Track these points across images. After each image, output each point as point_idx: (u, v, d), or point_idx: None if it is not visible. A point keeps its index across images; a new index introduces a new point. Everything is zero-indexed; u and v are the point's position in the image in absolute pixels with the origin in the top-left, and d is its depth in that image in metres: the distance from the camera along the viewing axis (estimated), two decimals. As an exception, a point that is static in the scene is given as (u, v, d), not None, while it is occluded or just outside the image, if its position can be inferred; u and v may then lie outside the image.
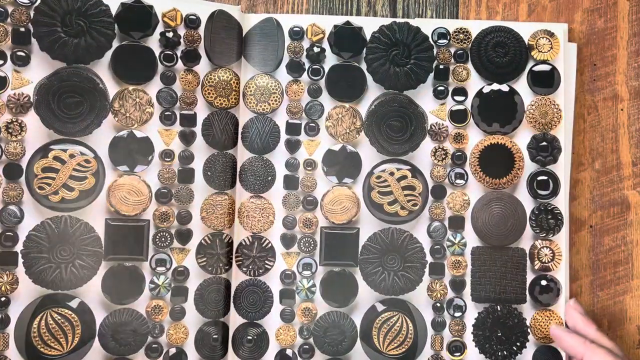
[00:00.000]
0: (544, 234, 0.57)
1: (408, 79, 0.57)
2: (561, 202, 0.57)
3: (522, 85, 0.58)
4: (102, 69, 0.55)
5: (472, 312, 0.57)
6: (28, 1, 0.54)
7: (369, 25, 0.57)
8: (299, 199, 0.57)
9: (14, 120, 0.54)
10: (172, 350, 0.55)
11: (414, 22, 0.58)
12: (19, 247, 0.54)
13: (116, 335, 0.54)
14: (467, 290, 0.57)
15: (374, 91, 0.58)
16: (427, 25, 0.57)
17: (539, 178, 0.57)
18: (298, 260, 0.56)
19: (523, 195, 0.57)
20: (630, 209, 0.60)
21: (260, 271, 0.56)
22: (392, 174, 0.57)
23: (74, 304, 0.54)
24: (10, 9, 0.54)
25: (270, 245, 0.56)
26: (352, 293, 0.56)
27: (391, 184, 0.57)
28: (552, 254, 0.57)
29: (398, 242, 0.56)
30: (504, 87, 0.58)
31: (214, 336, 0.55)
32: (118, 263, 0.55)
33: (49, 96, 0.54)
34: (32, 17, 0.54)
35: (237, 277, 0.56)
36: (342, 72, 0.57)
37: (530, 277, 0.57)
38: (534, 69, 0.58)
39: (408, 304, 0.56)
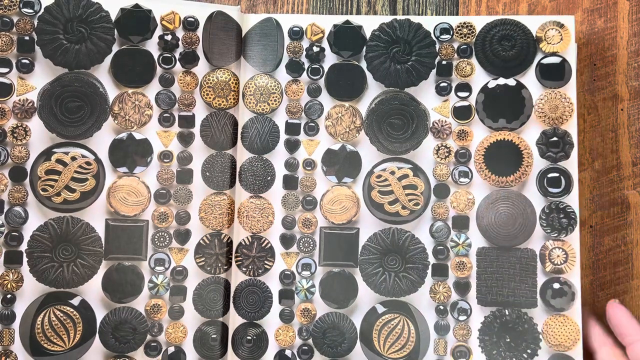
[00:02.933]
0: (556, 234, 0.39)
1: (409, 76, 0.41)
2: (574, 200, 0.38)
3: (530, 79, 0.41)
4: (102, 73, 0.42)
5: (477, 316, 0.40)
6: (32, 11, 0.42)
7: (369, 23, 0.42)
8: (298, 199, 0.41)
9: (19, 125, 0.42)
10: (171, 349, 0.40)
11: (415, 19, 0.40)
12: (23, 247, 0.41)
13: (116, 333, 0.41)
14: (473, 293, 0.40)
15: (374, 89, 0.42)
16: (429, 22, 0.40)
17: (550, 175, 0.39)
18: (297, 261, 0.41)
19: (532, 193, 0.40)
20: (630, 209, 0.42)
21: (260, 271, 0.40)
22: (392, 173, 0.40)
23: (75, 301, 0.41)
24: (15, 19, 0.42)
25: (269, 245, 0.41)
26: (352, 294, 0.41)
27: (392, 183, 0.40)
28: (565, 256, 0.38)
29: (399, 242, 0.40)
30: (511, 82, 0.40)
31: (213, 336, 0.40)
32: (118, 262, 0.41)
33: (51, 101, 0.41)
34: (35, 25, 0.41)
35: (237, 277, 0.41)
36: (342, 71, 0.43)
37: (541, 279, 0.39)
38: (542, 61, 0.40)
39: (409, 306, 0.40)
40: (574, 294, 0.39)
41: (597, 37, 0.45)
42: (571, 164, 0.40)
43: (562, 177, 0.39)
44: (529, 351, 0.39)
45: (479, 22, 0.41)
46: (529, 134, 0.40)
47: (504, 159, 0.40)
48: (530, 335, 0.39)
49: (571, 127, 0.40)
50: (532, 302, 0.39)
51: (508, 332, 0.39)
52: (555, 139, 0.40)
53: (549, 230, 0.39)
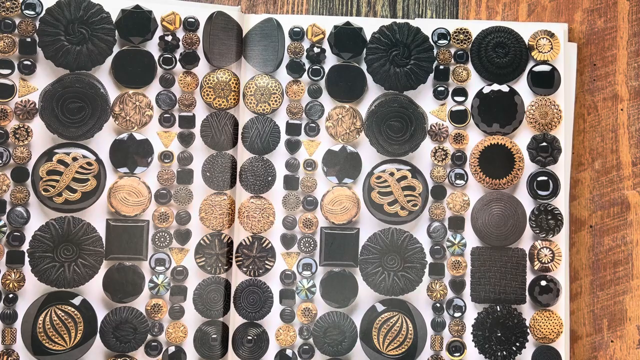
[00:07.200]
0: (544, 235, 0.57)
1: (408, 80, 0.57)
2: (561, 202, 0.57)
3: (522, 86, 0.58)
4: (103, 74, 0.56)
5: (471, 313, 0.57)
6: (34, 13, 0.56)
7: (369, 25, 0.57)
8: (299, 199, 0.57)
9: (20, 126, 0.56)
10: (171, 349, 0.56)
11: (414, 22, 0.57)
12: (25, 247, 0.55)
13: (117, 333, 0.55)
14: (467, 291, 0.57)
15: (374, 91, 0.58)
16: (427, 26, 0.57)
17: (539, 178, 0.57)
18: (298, 261, 0.57)
19: (523, 195, 0.57)
20: (630, 209, 0.59)
21: (260, 271, 0.56)
22: (392, 174, 0.57)
23: (76, 301, 0.55)
24: (17, 20, 0.56)
25: (270, 245, 0.57)
26: (352, 293, 0.57)
27: (391, 184, 0.57)
28: (551, 255, 0.56)
29: (398, 242, 0.56)
30: (504, 88, 0.57)
31: (213, 335, 0.56)
32: (118, 262, 0.56)
33: (53, 102, 0.55)
34: (37, 27, 0.55)
35: (237, 277, 0.56)
36: (342, 72, 0.58)
37: (530, 277, 0.57)
38: (534, 69, 0.58)
39: (408, 304, 0.56)
40: (559, 290, 0.56)
41: (597, 37, 0.61)
42: (559, 168, 0.57)
43: (550, 181, 0.56)
44: (517, 344, 0.56)
45: (475, 28, 0.58)
46: (521, 139, 0.57)
47: (497, 162, 0.56)
48: (519, 329, 0.56)
49: (559, 132, 0.57)
50: (522, 299, 0.56)
51: (499, 327, 0.56)
52: (544, 144, 0.56)
53: (537, 231, 0.56)
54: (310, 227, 0.57)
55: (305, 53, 0.58)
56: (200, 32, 0.57)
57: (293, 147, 0.58)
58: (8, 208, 0.55)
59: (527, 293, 0.56)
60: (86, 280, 0.55)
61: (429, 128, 0.58)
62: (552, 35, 0.57)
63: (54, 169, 0.55)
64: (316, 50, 0.58)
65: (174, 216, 0.56)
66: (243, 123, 0.57)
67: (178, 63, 0.57)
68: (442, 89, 0.58)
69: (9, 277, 0.55)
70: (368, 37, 0.57)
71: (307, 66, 0.58)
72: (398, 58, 0.57)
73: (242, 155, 0.57)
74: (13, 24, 0.55)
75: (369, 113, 0.57)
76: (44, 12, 0.55)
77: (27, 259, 0.55)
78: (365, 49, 0.57)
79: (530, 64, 0.58)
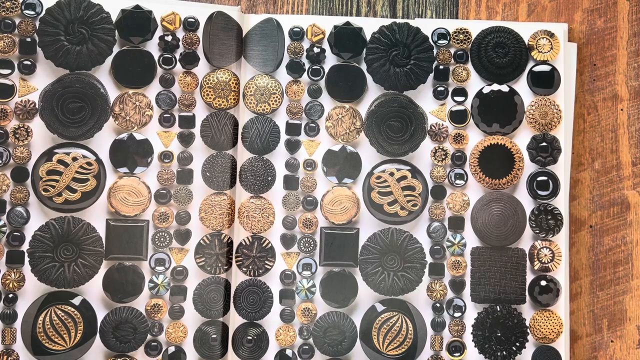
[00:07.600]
0: (544, 235, 0.57)
1: (408, 80, 0.57)
2: (561, 202, 0.57)
3: (522, 86, 0.58)
4: (103, 74, 0.56)
5: (471, 313, 0.57)
6: (34, 13, 0.56)
7: (369, 25, 0.57)
8: (298, 199, 0.57)
9: (20, 126, 0.56)
10: (171, 349, 0.56)
11: (414, 22, 0.57)
12: (25, 247, 0.55)
13: (117, 333, 0.56)
14: (467, 291, 0.57)
15: (374, 91, 0.58)
16: (427, 26, 0.57)
17: (539, 178, 0.57)
18: (298, 261, 0.57)
19: (523, 195, 0.57)
20: (630, 209, 0.59)
21: (260, 271, 0.57)
22: (392, 174, 0.57)
23: (76, 301, 0.55)
24: (17, 20, 0.56)
25: (270, 245, 0.57)
26: (352, 293, 0.57)
27: (391, 184, 0.57)
28: (551, 255, 0.56)
29: (398, 242, 0.56)
30: (504, 88, 0.57)
31: (213, 335, 0.56)
32: (118, 262, 0.56)
33: (53, 102, 0.55)
34: (37, 27, 0.55)
35: (237, 277, 0.56)
36: (342, 72, 0.58)
37: (529, 277, 0.57)
38: (534, 69, 0.58)
39: (408, 304, 0.57)
40: (558, 290, 0.56)
41: (597, 37, 0.61)
42: (558, 168, 0.57)
43: (550, 181, 0.56)
44: (517, 344, 0.56)
45: (475, 28, 0.58)
46: (521, 139, 0.57)
47: (497, 162, 0.56)
48: (519, 329, 0.56)
49: (559, 132, 0.57)
50: (521, 299, 0.56)
51: (499, 327, 0.56)
52: (544, 144, 0.56)
53: (537, 231, 0.56)
54: (310, 227, 0.57)
55: (305, 53, 0.58)
56: (200, 32, 0.57)
57: (293, 147, 0.58)
58: (8, 208, 0.55)
59: (527, 293, 0.57)
60: (86, 280, 0.55)
61: (428, 128, 0.58)
62: (552, 35, 0.58)
63: (53, 169, 0.55)
64: (316, 50, 0.58)
65: (174, 216, 0.57)
66: (243, 123, 0.57)
67: (178, 63, 0.57)
68: (442, 89, 0.58)
69: (9, 277, 0.55)
70: (368, 37, 0.57)
71: (307, 66, 0.58)
72: (398, 58, 0.57)
73: (242, 155, 0.57)
74: (13, 24, 0.56)
75: (369, 113, 0.57)
76: (44, 12, 0.55)
77: (27, 259, 0.55)
78: (365, 49, 0.57)
79: (530, 64, 0.58)
